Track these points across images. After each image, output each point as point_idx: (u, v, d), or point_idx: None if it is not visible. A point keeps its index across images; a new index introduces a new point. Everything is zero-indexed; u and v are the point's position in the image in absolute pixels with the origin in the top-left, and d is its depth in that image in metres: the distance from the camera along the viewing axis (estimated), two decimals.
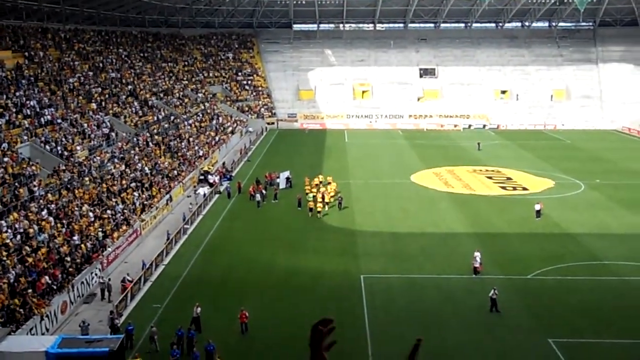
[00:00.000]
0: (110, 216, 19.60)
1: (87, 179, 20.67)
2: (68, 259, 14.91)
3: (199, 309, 13.91)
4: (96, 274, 16.26)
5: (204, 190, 30.93)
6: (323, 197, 27.25)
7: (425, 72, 55.30)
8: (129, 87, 35.26)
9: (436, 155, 42.28)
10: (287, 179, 32.18)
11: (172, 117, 38.56)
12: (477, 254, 18.42)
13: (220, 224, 25.71)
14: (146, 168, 27.51)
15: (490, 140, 46.87)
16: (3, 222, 14.44)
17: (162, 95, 41.13)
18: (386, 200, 29.61)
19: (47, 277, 13.15)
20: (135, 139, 28.99)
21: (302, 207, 27.00)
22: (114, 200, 21.10)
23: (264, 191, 29.58)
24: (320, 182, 30.75)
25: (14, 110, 21.19)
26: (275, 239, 23.23)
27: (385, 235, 23.62)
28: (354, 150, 44.99)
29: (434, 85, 55.11)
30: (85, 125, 25.33)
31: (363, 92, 62.04)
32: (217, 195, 30.94)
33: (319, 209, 25.77)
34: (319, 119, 60.23)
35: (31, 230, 14.85)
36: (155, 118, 35.57)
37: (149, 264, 18.59)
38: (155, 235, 23.68)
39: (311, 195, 27.56)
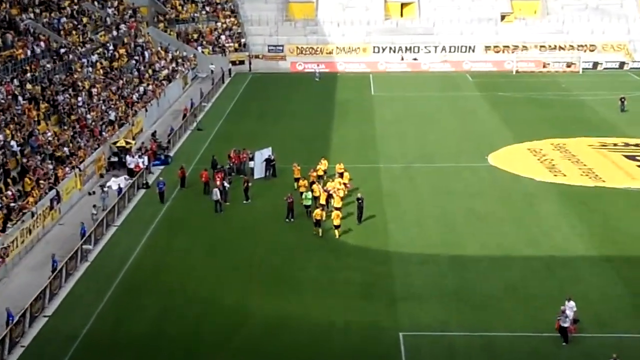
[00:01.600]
0: None
1: None
2: None
3: None
4: None
5: (118, 182, 32.08)
6: (328, 201, 28.51)
7: None
8: None
9: (534, 118, 43.35)
10: (267, 162, 33.61)
11: (61, 51, 38.67)
12: (569, 306, 18.93)
13: (148, 243, 26.60)
14: (13, 143, 27.52)
15: (636, 90, 47.84)
16: None
17: (40, 11, 40.67)
18: (444, 198, 30.75)
19: None
20: None
21: (294, 219, 28.19)
22: None
23: (226, 184, 30.47)
24: (325, 172, 32.20)
25: None
26: (248, 268, 24.21)
27: (443, 261, 24.46)
28: (386, 111, 46.44)
29: None
30: None
31: (403, 5, 60.60)
32: (142, 192, 32.15)
33: (335, 222, 26.43)
34: (325, 54, 58.73)
35: None
36: (29, 53, 35.43)
37: (19, 314, 18.24)
38: (30, 263, 23.98)
39: (309, 195, 28.55)
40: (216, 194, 29.38)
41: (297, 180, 31.39)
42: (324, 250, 25.77)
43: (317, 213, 26.73)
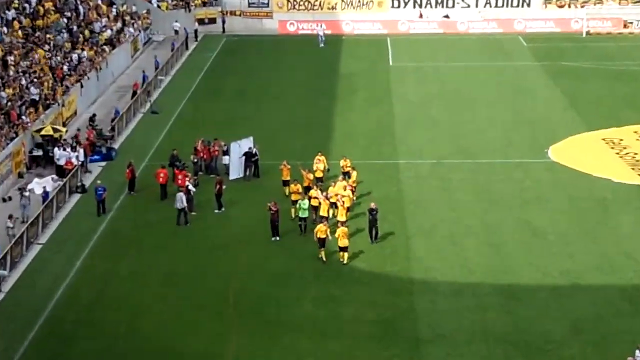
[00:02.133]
0: None
1: None
2: None
3: None
4: None
5: (43, 184, 32.40)
6: (331, 210, 29.12)
7: None
8: None
9: (611, 97, 43.76)
10: (248, 157, 34.31)
11: None
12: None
13: (84, 268, 26.91)
14: None
15: None
16: None
17: None
18: (488, 207, 31.33)
19: None
20: None
21: (279, 237, 28.64)
22: None
23: (191, 187, 30.96)
24: (325, 171, 33.05)
25: None
26: (220, 302, 24.46)
27: (486, 292, 24.86)
28: (409, 88, 47.19)
29: None
30: None
31: None
32: (77, 197, 32.76)
33: (342, 243, 26.65)
34: (326, 11, 59.25)
35: None
36: None
37: None
38: None
39: (305, 204, 28.82)
40: (181, 200, 29.74)
41: (286, 183, 31.87)
42: (324, 277, 25.98)
43: (320, 229, 26.83)
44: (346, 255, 26.76)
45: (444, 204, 31.85)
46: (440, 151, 37.36)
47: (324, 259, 26.92)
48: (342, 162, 32.83)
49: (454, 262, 26.96)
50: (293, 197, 30.03)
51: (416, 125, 41.21)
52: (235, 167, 34.38)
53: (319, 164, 32.75)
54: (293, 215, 29.72)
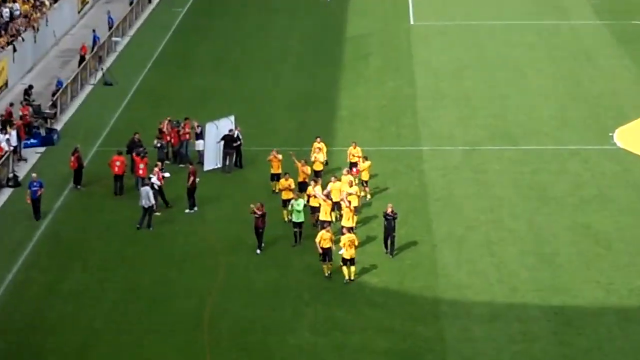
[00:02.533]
0: None
1: None
2: None
3: None
4: None
5: None
6: (334, 213, 29.67)
7: None
8: None
9: None
10: (228, 142, 34.59)
11: None
12: None
13: (15, 285, 26.94)
14: None
15: None
16: None
17: None
18: (537, 206, 31.47)
19: None
20: None
21: (262, 247, 28.88)
22: None
23: (155, 179, 31.09)
24: (325, 163, 33.36)
25: None
26: (192, 329, 24.50)
27: (533, 316, 24.85)
28: (434, 55, 47.32)
29: None
30: None
31: None
32: (7, 193, 32.85)
33: (347, 254, 26.75)
34: None
35: None
36: None
37: None
38: None
39: (299, 204, 28.95)
40: (147, 196, 30.02)
41: (275, 177, 32.33)
42: (325, 298, 26.06)
43: (324, 237, 26.87)
44: (353, 269, 26.88)
45: (480, 202, 31.97)
46: (475, 135, 37.58)
47: (329, 274, 27.03)
48: (349, 150, 33.13)
49: (492, 278, 27.01)
50: (284, 196, 30.28)
51: (444, 101, 41.30)
52: (212, 155, 34.61)
53: (319, 153, 32.86)
54: (286, 219, 30.06)
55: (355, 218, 29.15)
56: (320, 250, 26.81)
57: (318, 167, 32.58)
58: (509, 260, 28.06)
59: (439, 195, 32.74)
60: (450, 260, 28.22)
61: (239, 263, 28.35)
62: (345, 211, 28.68)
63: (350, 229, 27.63)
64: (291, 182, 30.32)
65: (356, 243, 26.81)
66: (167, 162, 34.36)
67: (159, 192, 30.95)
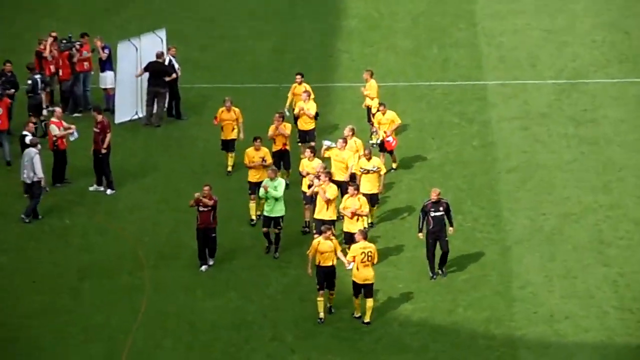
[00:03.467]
0: None
1: None
2: None
3: None
4: None
5: None
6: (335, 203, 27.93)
7: None
8: None
9: None
10: (154, 74, 33.57)
11: None
12: None
13: None
14: None
15: None
16: None
17: None
18: None
19: None
20: None
21: (212, 263, 27.91)
22: None
23: (29, 132, 30.08)
24: (316, 116, 31.98)
25: None
26: None
27: None
28: None
29: None
30: None
31: None
32: None
33: (361, 277, 24.91)
34: None
35: None
36: None
37: None
38: None
39: (276, 187, 28.26)
40: (31, 162, 28.89)
41: (230, 145, 31.21)
42: (322, 346, 24.10)
43: (323, 248, 24.75)
44: (371, 304, 24.26)
45: (584, 174, 30.39)
46: (575, 58, 36.79)
47: (323, 316, 24.50)
48: (365, 92, 31.68)
49: (606, 305, 24.73)
50: (251, 176, 28.34)
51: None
52: (128, 97, 33.01)
53: (307, 101, 30.99)
54: (254, 216, 28.33)
55: (374, 212, 27.64)
56: (312, 271, 24.74)
57: (307, 125, 30.95)
58: (630, 273, 26.03)
59: (514, 166, 31.00)
60: (534, 273, 26.21)
61: (171, 284, 26.48)
62: (360, 201, 26.04)
63: (364, 234, 24.48)
64: (265, 153, 28.49)
65: (375, 258, 24.38)
66: (46, 109, 32.81)
67: (58, 160, 30.14)
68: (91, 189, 29.75)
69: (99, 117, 29.61)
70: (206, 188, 25.76)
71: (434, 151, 31.48)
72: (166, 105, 33.41)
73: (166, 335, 24.13)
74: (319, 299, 24.14)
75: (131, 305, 25.10)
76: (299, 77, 31.93)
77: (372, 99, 31.45)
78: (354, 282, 23.86)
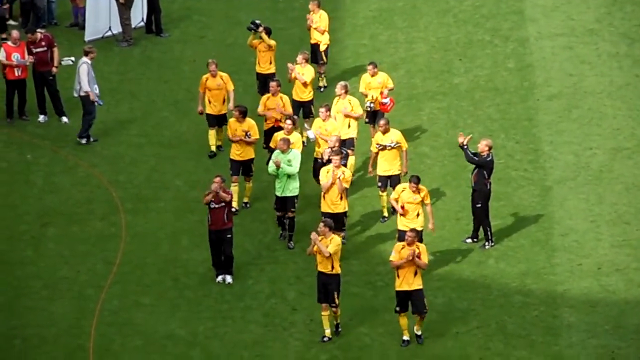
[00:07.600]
0: None
1: None
2: None
3: None
4: None
5: None
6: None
7: None
8: None
9: None
10: None
11: None
12: None
13: None
14: None
15: None
16: None
17: None
18: None
19: None
20: None
21: (233, 280, 26.21)
22: None
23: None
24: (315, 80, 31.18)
25: None
26: None
27: None
28: None
29: None
30: None
31: None
32: None
33: (405, 284, 23.54)
34: None
35: None
36: None
37: None
38: None
39: (294, 157, 26.97)
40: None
41: (218, 120, 29.92)
42: (341, 304, 23.09)
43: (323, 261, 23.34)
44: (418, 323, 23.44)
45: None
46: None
47: (329, 334, 23.09)
48: (314, 25, 31.05)
49: None
50: (233, 153, 27.44)
51: None
52: (99, 10, 32.35)
53: (304, 65, 29.53)
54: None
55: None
56: (320, 290, 23.03)
57: (302, 94, 29.57)
58: None
59: (558, 88, 30.36)
60: (579, 219, 25.74)
61: (151, 231, 25.84)
62: (410, 196, 24.51)
63: (417, 234, 22.97)
64: (251, 127, 26.78)
65: (426, 260, 22.85)
66: (11, 22, 32.17)
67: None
68: (41, 120, 29.16)
69: (39, 36, 28.57)
70: (217, 179, 23.87)
71: (462, 75, 31.09)
72: (144, 19, 32.74)
73: (146, 292, 23.50)
74: (322, 313, 22.78)
75: (104, 257, 24.19)
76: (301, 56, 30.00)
77: (322, 32, 30.48)
78: (397, 291, 22.38)
